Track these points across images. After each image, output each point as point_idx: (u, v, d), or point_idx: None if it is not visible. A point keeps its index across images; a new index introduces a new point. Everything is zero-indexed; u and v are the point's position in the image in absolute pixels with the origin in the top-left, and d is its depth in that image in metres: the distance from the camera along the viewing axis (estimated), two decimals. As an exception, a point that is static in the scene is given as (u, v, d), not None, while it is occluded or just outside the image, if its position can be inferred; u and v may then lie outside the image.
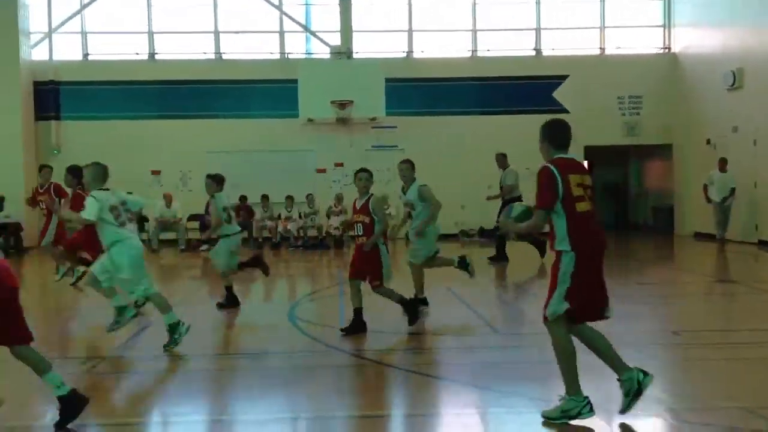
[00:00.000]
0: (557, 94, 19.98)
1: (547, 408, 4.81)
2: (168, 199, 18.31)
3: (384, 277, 7.51)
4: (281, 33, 20.38)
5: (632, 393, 4.69)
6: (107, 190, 7.01)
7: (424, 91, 19.86)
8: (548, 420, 4.73)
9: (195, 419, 5.18)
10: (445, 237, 13.44)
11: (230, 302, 9.30)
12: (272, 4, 20.04)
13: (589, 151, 19.44)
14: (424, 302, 8.79)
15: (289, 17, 20.19)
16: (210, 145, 19.07)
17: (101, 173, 7.08)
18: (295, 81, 18.50)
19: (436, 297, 9.24)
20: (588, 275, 4.66)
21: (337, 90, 18.61)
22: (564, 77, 20.07)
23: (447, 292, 10.00)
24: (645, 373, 4.72)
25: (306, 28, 20.44)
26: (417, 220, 8.76)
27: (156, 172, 19.58)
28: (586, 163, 20.37)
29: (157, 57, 20.17)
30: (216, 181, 9.36)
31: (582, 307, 4.69)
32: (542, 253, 13.23)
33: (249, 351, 7.20)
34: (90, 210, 6.76)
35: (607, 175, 23.22)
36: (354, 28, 20.14)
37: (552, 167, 4.70)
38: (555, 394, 4.88)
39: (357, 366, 6.43)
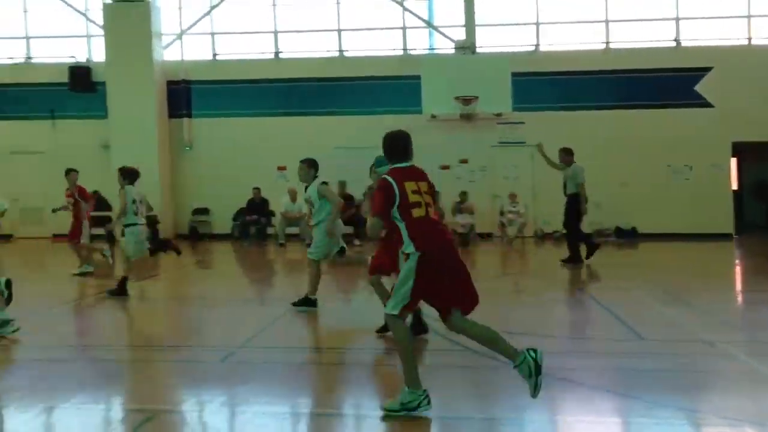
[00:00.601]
0: (700, 88, 18.65)
1: (390, 401, 4.81)
2: (293, 195, 18.47)
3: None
4: (404, 29, 20.17)
5: (533, 372, 4.64)
6: None
7: (554, 86, 19.06)
8: (389, 412, 4.75)
9: (319, 412, 5.13)
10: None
11: (121, 292, 9.53)
12: (395, 0, 19.84)
13: (737, 148, 18.08)
14: (313, 304, 8.49)
15: (412, 13, 19.93)
16: (333, 141, 19.07)
17: None
18: (418, 77, 18.21)
19: (577, 301, 8.74)
20: (435, 274, 4.77)
21: (461, 86, 18.22)
22: (707, 69, 18.68)
23: (586, 296, 9.43)
24: (534, 350, 4.68)
25: (429, 24, 20.12)
26: (317, 216, 8.56)
27: (282, 168, 19.81)
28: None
29: (281, 56, 20.44)
30: (123, 175, 9.72)
31: (430, 302, 4.92)
32: (589, 254, 12.69)
33: (375, 346, 6.99)
34: None
35: (758, 173, 21.50)
36: (477, 22, 19.63)
37: (389, 178, 5.03)
38: (706, 404, 4.58)
39: (489, 367, 5.97)
